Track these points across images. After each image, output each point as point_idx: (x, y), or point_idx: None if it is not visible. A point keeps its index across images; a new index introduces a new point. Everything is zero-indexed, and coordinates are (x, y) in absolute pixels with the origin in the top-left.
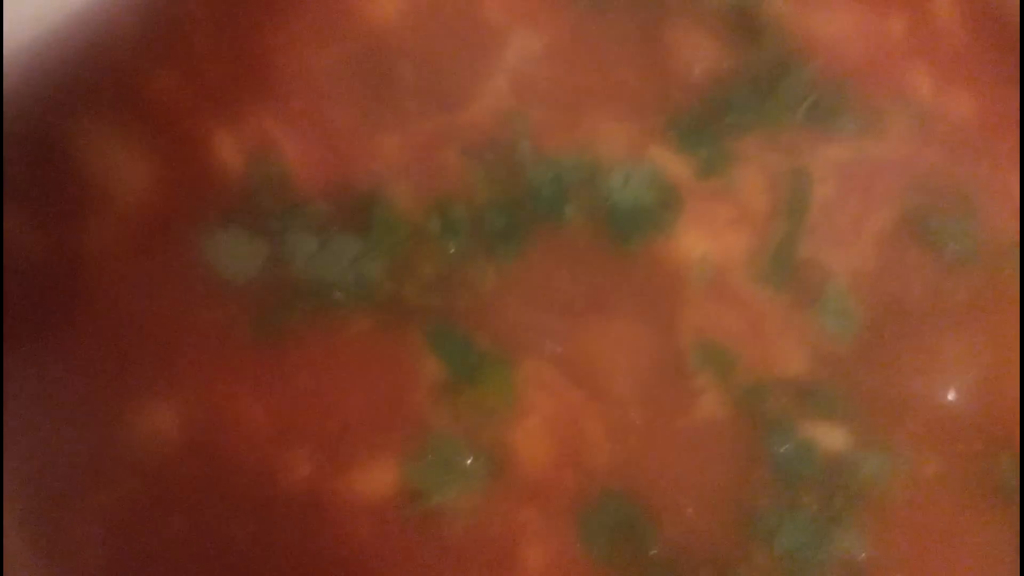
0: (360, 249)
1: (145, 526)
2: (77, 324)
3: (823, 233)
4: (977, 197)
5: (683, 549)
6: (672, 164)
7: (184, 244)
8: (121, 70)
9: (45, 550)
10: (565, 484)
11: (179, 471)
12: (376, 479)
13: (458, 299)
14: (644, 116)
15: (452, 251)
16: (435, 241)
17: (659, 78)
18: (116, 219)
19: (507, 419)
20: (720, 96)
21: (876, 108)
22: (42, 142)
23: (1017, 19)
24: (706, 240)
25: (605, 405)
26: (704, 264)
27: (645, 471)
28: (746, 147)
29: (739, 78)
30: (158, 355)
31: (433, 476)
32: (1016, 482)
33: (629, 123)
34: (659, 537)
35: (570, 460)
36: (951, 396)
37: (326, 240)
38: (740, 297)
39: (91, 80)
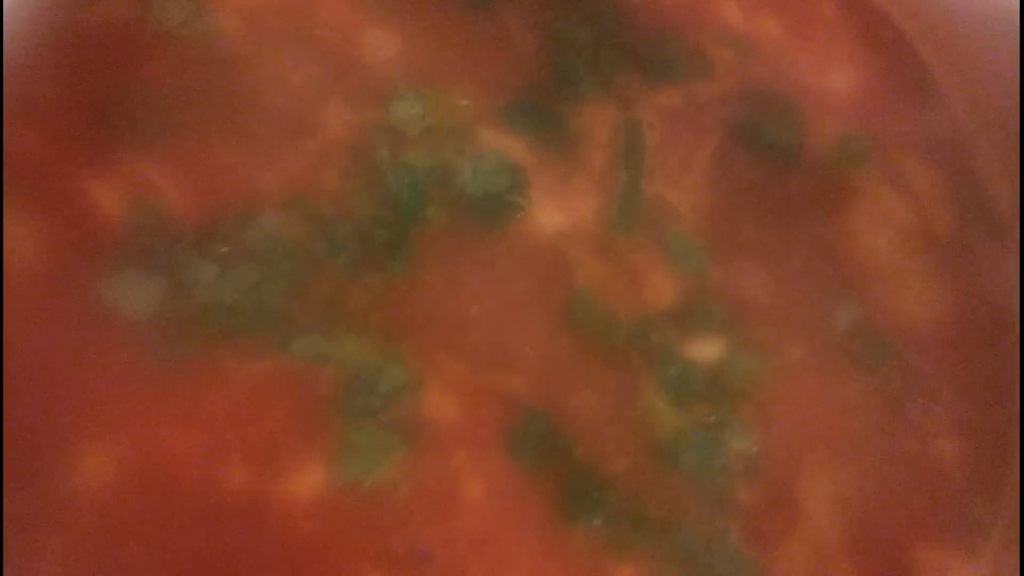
0: (258, 274)
1: (104, 558)
2: None
3: (661, 173)
4: (798, 103)
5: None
6: (512, 146)
7: (83, 293)
8: None
9: None
10: (484, 420)
11: (126, 502)
12: (308, 481)
13: (353, 311)
14: (482, 99)
15: (341, 267)
16: (326, 261)
17: (499, 59)
18: (13, 284)
19: (416, 396)
20: (552, 68)
21: (700, 51)
22: None
23: None
24: (559, 210)
25: (505, 369)
26: (562, 231)
27: (555, 407)
28: (581, 114)
29: (567, 47)
30: (78, 401)
31: (360, 464)
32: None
33: (472, 102)
34: (578, 451)
35: (484, 400)
36: (784, 282)
37: (225, 267)
38: (602, 251)
39: None
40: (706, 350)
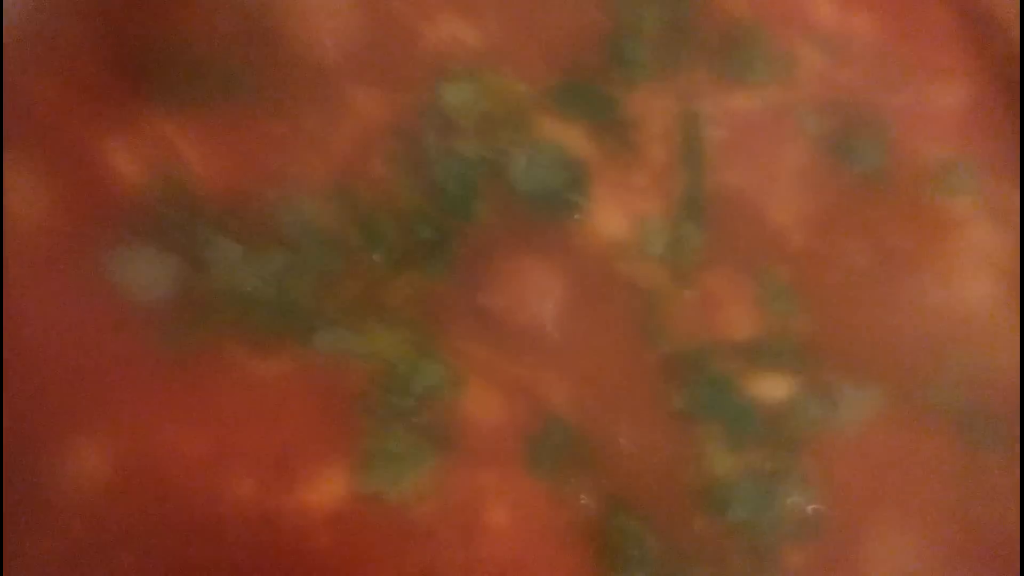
0: (286, 262)
1: (95, 566)
2: None
3: (738, 180)
4: (892, 118)
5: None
6: (571, 138)
7: (90, 265)
8: (4, 90)
9: None
10: (520, 427)
11: (119, 506)
12: (326, 491)
13: (386, 306)
14: (539, 80)
15: (379, 262)
16: (360, 254)
17: (559, 34)
18: (18, 247)
19: (446, 399)
20: (609, 47)
21: (784, 50)
22: None
23: None
24: (621, 214)
25: (548, 378)
26: (624, 238)
27: (595, 425)
28: (634, 100)
29: (631, 26)
30: (74, 389)
31: (385, 474)
32: (951, 402)
33: (530, 87)
34: (614, 480)
35: (524, 406)
36: (882, 323)
37: (250, 249)
38: (669, 265)
39: None
40: (774, 389)
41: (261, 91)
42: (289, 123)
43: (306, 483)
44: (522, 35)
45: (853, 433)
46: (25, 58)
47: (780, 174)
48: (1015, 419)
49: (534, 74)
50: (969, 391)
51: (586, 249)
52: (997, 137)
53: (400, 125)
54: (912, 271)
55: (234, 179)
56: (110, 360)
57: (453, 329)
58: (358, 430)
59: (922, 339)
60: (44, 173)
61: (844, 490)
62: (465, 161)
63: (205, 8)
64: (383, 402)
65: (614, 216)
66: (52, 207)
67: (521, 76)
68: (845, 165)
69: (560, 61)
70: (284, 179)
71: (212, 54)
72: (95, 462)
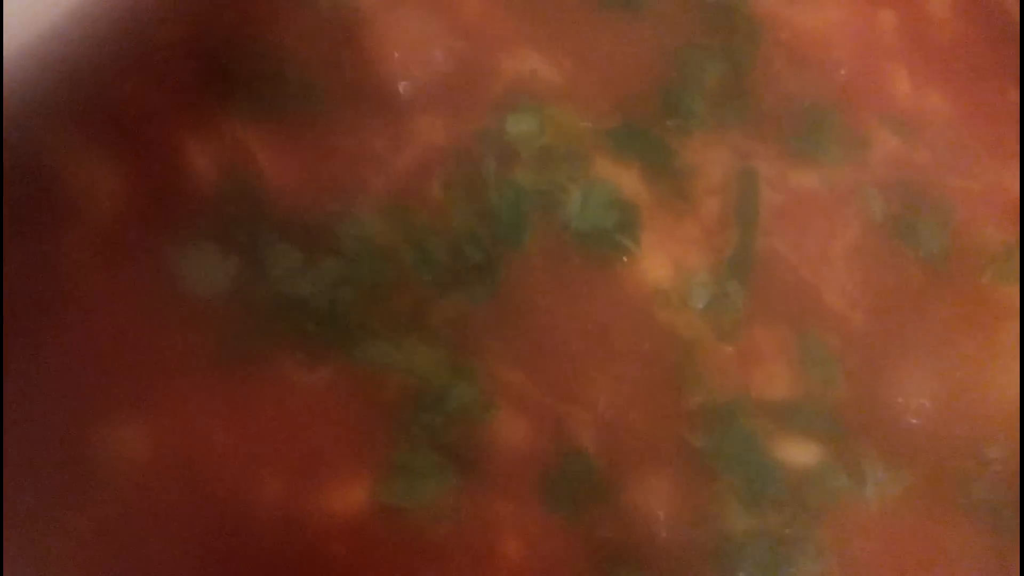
0: (341, 273)
1: (122, 548)
2: (45, 342)
3: (791, 250)
4: (959, 202)
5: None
6: (625, 179)
7: (155, 258)
8: (89, 78)
9: (20, 572)
10: (530, 469)
11: (152, 494)
12: (349, 499)
13: (429, 324)
14: (601, 120)
15: (428, 281)
16: (410, 272)
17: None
18: (87, 233)
19: (475, 422)
20: (672, 97)
21: (858, 130)
22: (14, 156)
23: (1009, 10)
24: (668, 262)
25: (577, 413)
26: (670, 285)
27: (618, 469)
28: (688, 147)
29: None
30: (125, 374)
31: (407, 490)
32: (987, 497)
33: (592, 125)
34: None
35: (541, 447)
36: (926, 409)
37: (310, 257)
38: (712, 318)
39: (60, 89)
40: (802, 454)
41: (337, 107)
42: (358, 140)
43: (331, 490)
44: (591, 74)
45: (876, 511)
46: (115, 54)
47: (835, 251)
48: None
49: (597, 113)
50: (1004, 489)
51: (630, 292)
52: None
53: (461, 150)
54: (962, 360)
55: (301, 188)
56: (163, 348)
57: (490, 354)
58: (387, 442)
59: (965, 432)
60: (122, 162)
61: (859, 568)
62: (521, 191)
63: (295, 20)
64: (414, 418)
65: (661, 264)
66: (126, 195)
67: (584, 114)
68: (906, 247)
69: (622, 103)
70: (347, 192)
71: (296, 65)
72: (135, 444)
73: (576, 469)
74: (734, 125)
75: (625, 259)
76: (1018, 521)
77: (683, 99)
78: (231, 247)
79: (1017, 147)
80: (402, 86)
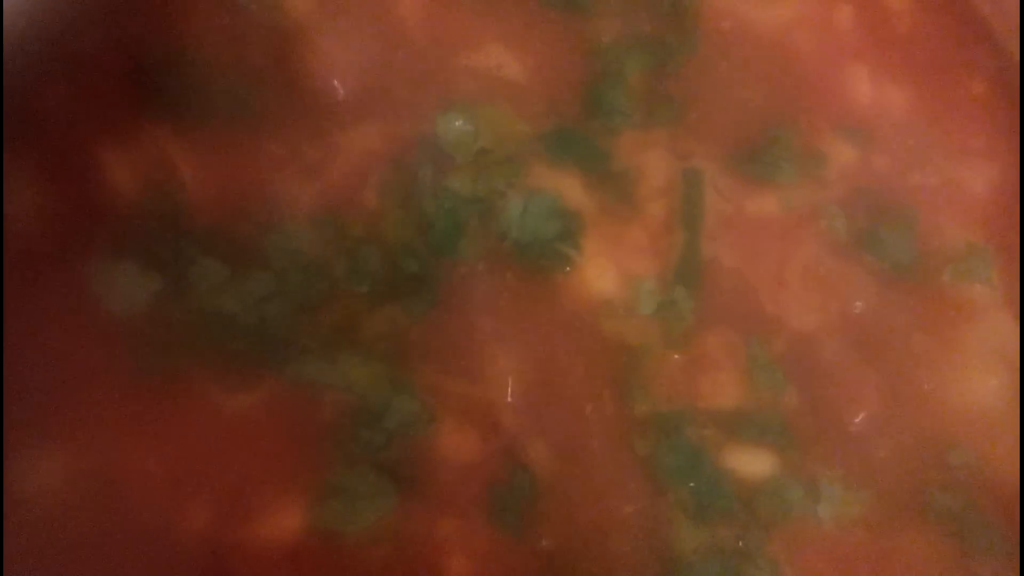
0: (269, 287)
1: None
2: None
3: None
4: (922, 205)
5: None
6: (567, 186)
7: (72, 275)
8: (7, 88)
9: None
10: (474, 485)
11: (69, 523)
12: (283, 526)
13: (363, 338)
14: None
15: (361, 294)
16: (343, 284)
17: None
18: (6, 248)
19: (418, 437)
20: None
21: (813, 147)
22: None
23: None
24: (612, 271)
25: (524, 426)
26: (615, 296)
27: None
28: (621, 147)
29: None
30: (40, 397)
31: (344, 513)
32: (950, 505)
33: (530, 126)
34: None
35: (487, 460)
36: (881, 417)
37: (236, 271)
38: (658, 327)
39: None
40: (753, 464)
41: (267, 116)
42: (289, 149)
43: (263, 517)
44: (528, 74)
45: (832, 528)
46: (34, 62)
47: (791, 268)
48: (1013, 527)
49: (533, 114)
50: (967, 495)
51: (573, 302)
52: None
53: (397, 157)
54: (926, 364)
55: (227, 200)
56: (82, 371)
57: (429, 367)
58: (322, 464)
59: (927, 438)
60: (42, 178)
61: None
62: (458, 198)
63: (224, 26)
64: (353, 436)
65: (606, 272)
66: (45, 211)
67: (520, 115)
68: (871, 259)
69: (555, 104)
70: (275, 204)
71: (222, 73)
72: (55, 472)
73: (521, 482)
74: (665, 124)
75: (568, 268)
76: (982, 527)
77: (607, 97)
78: (152, 263)
79: (978, 142)
80: (336, 93)
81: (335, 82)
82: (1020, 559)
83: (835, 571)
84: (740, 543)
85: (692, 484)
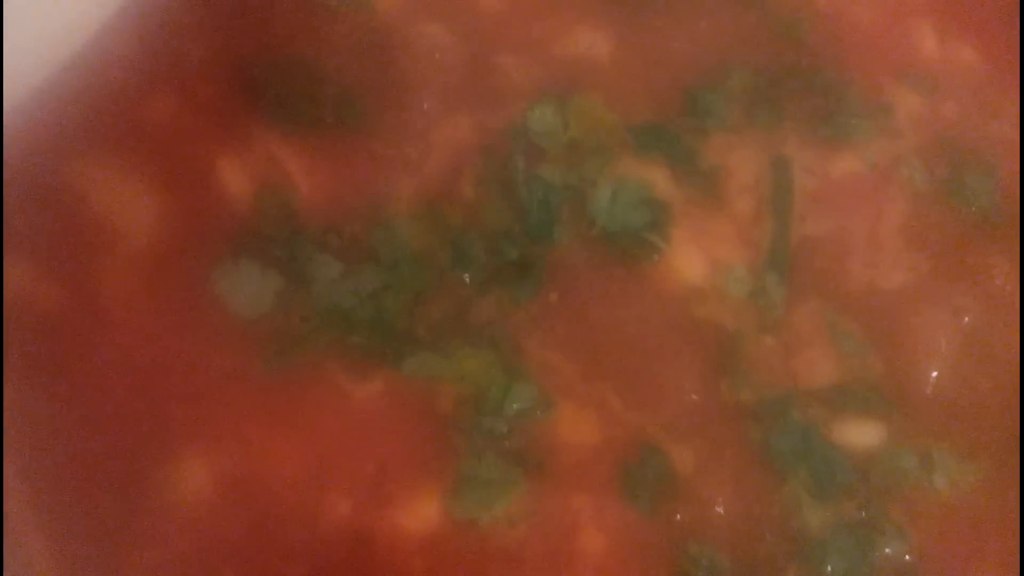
0: (381, 281)
1: None
2: (93, 377)
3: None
4: (994, 149)
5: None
6: (655, 177)
7: (196, 281)
8: (118, 101)
9: None
10: (603, 463)
11: (222, 523)
12: (420, 515)
13: (475, 325)
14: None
15: (467, 281)
16: (449, 273)
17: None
18: (126, 259)
19: (538, 422)
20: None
21: (882, 100)
22: (45, 188)
23: None
24: (701, 260)
25: (640, 408)
26: (705, 284)
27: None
28: (712, 147)
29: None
30: (179, 404)
31: (478, 500)
32: None
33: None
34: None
35: (611, 441)
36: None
37: (348, 266)
38: (750, 313)
39: (89, 116)
40: (862, 436)
41: (366, 116)
42: (388, 147)
43: (401, 506)
44: (622, 66)
45: (949, 496)
46: (144, 74)
47: (884, 230)
48: None
49: (626, 106)
50: None
51: (663, 291)
52: None
53: (489, 148)
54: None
55: (336, 198)
56: (215, 375)
57: (541, 351)
58: (452, 453)
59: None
60: (156, 188)
61: (941, 540)
62: (549, 187)
63: (317, 31)
64: (475, 425)
65: (694, 261)
66: (162, 222)
67: (613, 106)
68: (959, 205)
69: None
70: (380, 200)
71: (324, 76)
72: (200, 477)
73: (652, 461)
74: (762, 127)
75: (656, 257)
76: None
77: (703, 100)
78: (272, 264)
79: None
80: (428, 89)
81: (425, 78)
82: (1020, 559)
83: (960, 533)
84: (863, 513)
85: (808, 465)
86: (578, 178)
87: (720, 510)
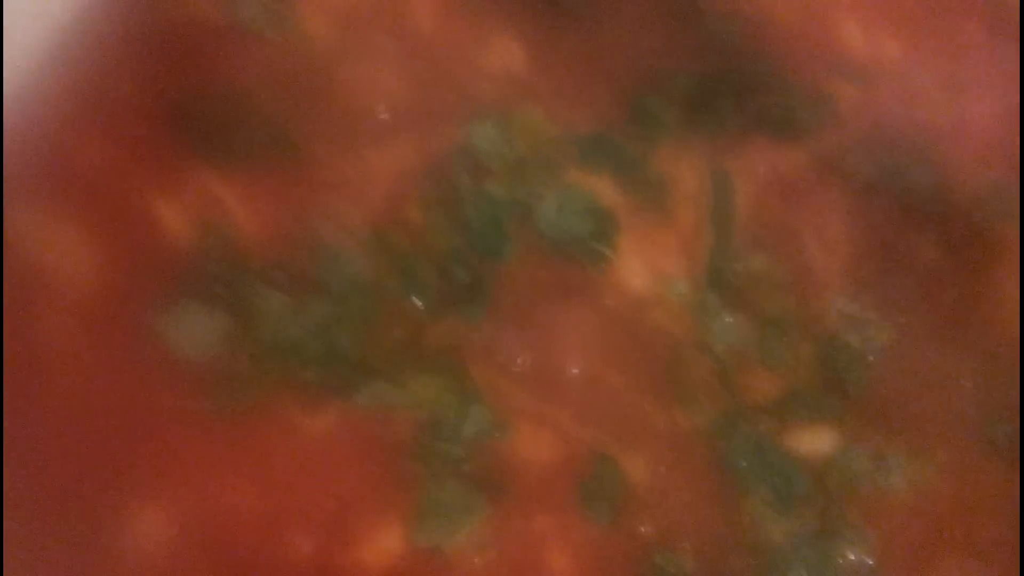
0: (331, 312)
1: None
2: (41, 429)
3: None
4: (929, 137)
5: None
6: (600, 186)
7: (139, 325)
8: (49, 146)
9: None
10: (562, 481)
11: (181, 568)
12: (383, 547)
13: (428, 352)
14: (570, 127)
15: (420, 308)
16: (401, 300)
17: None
18: (66, 308)
19: (495, 444)
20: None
21: (820, 91)
22: None
23: None
24: (645, 270)
25: (595, 425)
26: (650, 294)
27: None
28: (658, 157)
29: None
30: (131, 451)
31: (440, 527)
32: (1008, 431)
33: (561, 131)
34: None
35: (569, 459)
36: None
37: (296, 299)
38: (694, 326)
39: (20, 163)
40: (816, 442)
41: (305, 145)
42: (330, 175)
43: (363, 540)
44: (557, 80)
45: (906, 493)
46: (73, 115)
47: (827, 221)
48: None
49: (566, 120)
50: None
51: (612, 298)
52: None
53: (434, 169)
54: (959, 301)
55: (279, 232)
56: (166, 420)
57: (493, 372)
58: (410, 482)
59: (978, 387)
60: (93, 232)
61: (901, 536)
62: (496, 203)
63: (251, 61)
64: (434, 451)
65: (639, 271)
66: (102, 266)
67: (553, 120)
68: (896, 196)
69: (586, 111)
70: (325, 229)
71: (259, 107)
72: (156, 523)
73: (609, 473)
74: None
75: (603, 267)
76: None
77: (646, 106)
78: (216, 303)
79: (979, 80)
80: (368, 114)
81: (364, 104)
82: (1020, 559)
83: (920, 526)
84: (823, 521)
85: (766, 477)
86: (526, 192)
87: (682, 522)
